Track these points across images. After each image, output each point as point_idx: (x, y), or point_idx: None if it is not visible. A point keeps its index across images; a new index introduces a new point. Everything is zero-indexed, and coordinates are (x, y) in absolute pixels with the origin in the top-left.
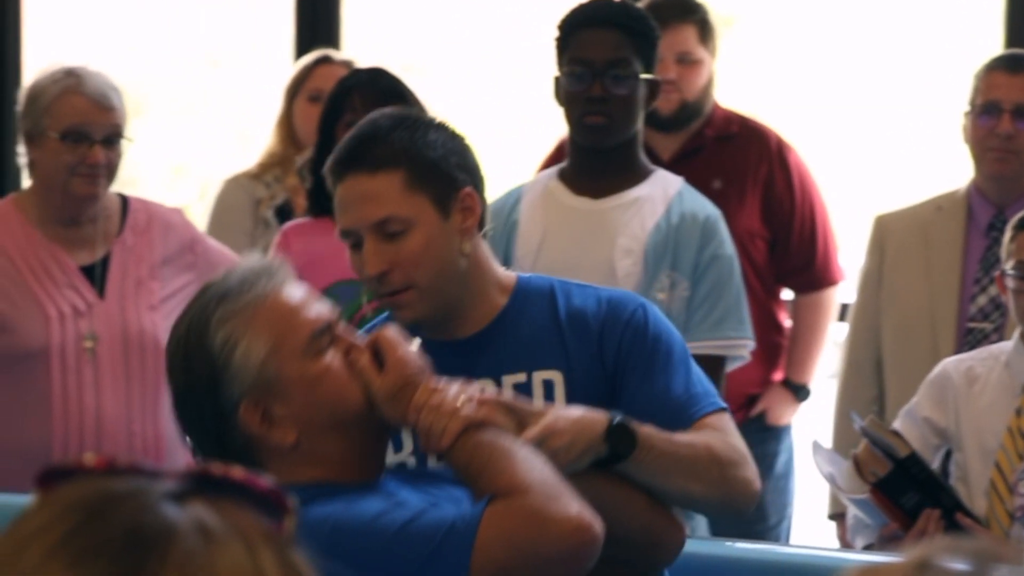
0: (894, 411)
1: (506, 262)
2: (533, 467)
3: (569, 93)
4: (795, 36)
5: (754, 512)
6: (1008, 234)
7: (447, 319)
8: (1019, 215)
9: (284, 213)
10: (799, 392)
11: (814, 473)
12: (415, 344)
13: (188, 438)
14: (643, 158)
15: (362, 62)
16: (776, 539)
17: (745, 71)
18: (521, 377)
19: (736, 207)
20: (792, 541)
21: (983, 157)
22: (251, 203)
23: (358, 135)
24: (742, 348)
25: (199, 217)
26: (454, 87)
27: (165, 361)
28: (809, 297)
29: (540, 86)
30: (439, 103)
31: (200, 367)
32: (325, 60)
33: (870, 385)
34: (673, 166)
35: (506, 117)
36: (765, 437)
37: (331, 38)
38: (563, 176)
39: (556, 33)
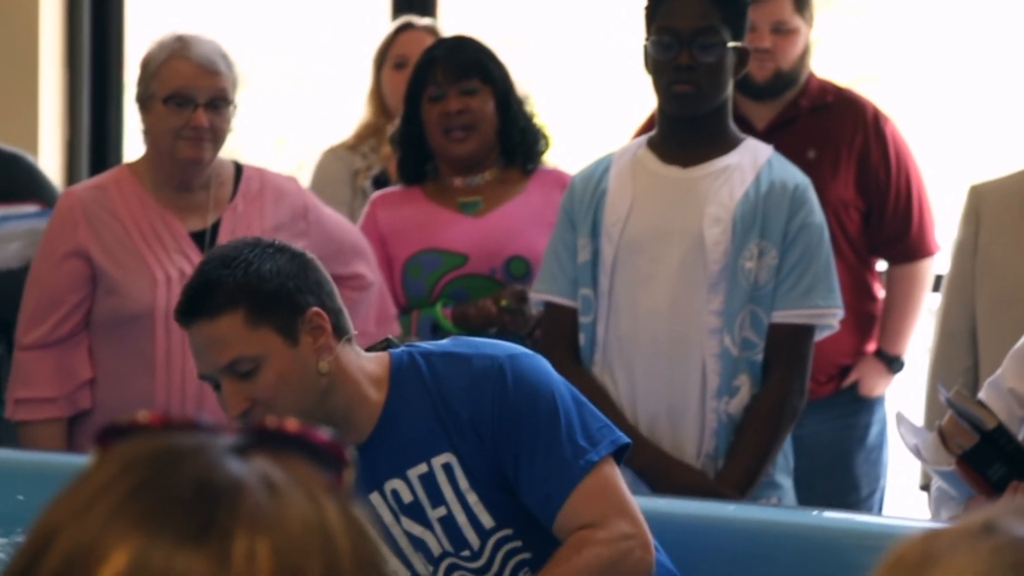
0: None
1: (594, 230)
2: None
3: (656, 62)
4: (889, 3)
5: (846, 483)
6: None
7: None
8: None
9: (381, 183)
10: (892, 363)
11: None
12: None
13: None
14: (732, 126)
15: (447, 27)
16: (868, 511)
17: (842, 41)
18: (423, 468)
19: (830, 177)
20: (885, 513)
21: None
22: (349, 174)
23: (194, 284)
24: (831, 317)
25: None
26: (555, 60)
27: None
28: (904, 268)
29: (639, 57)
30: (540, 76)
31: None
32: (407, 27)
33: (964, 356)
34: (767, 136)
35: (608, 89)
36: (858, 408)
37: (427, 9)
38: (652, 144)
39: (645, 2)
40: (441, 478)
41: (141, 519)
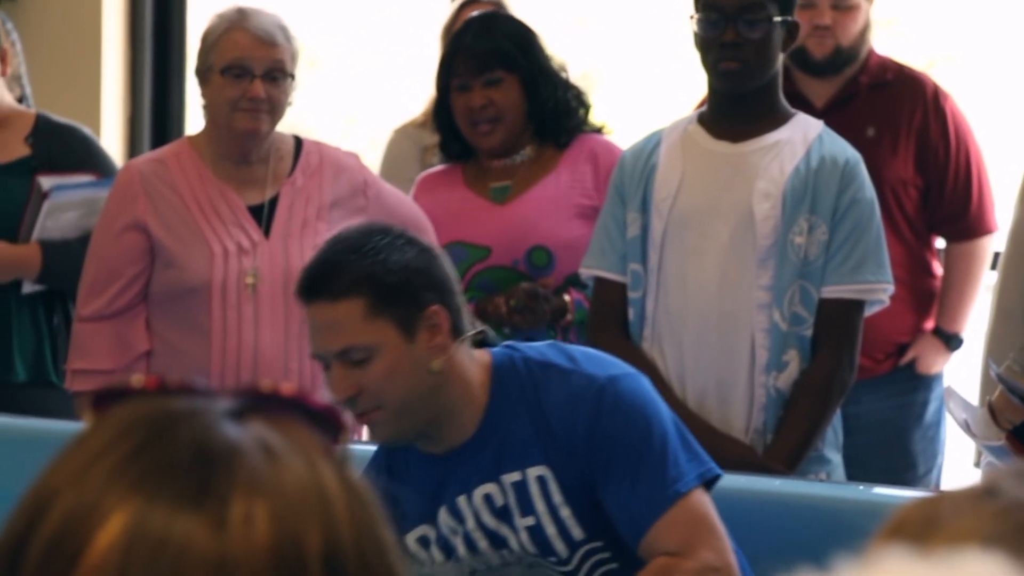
0: None
1: (644, 205)
2: None
3: (703, 39)
4: None
5: (904, 461)
6: None
7: (429, 434)
8: None
9: None
10: (951, 341)
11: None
12: None
13: None
14: (783, 101)
15: (517, 7)
16: (925, 488)
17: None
18: (516, 476)
19: (890, 155)
20: (941, 490)
21: None
22: (418, 151)
23: (319, 263)
24: (881, 292)
25: (373, 167)
26: (626, 39)
27: None
28: (963, 246)
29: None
30: (611, 55)
31: None
32: (472, 3)
33: (1019, 334)
34: (827, 113)
35: (678, 68)
36: (916, 386)
37: None
38: (702, 120)
39: None
40: (534, 490)
41: (138, 482)
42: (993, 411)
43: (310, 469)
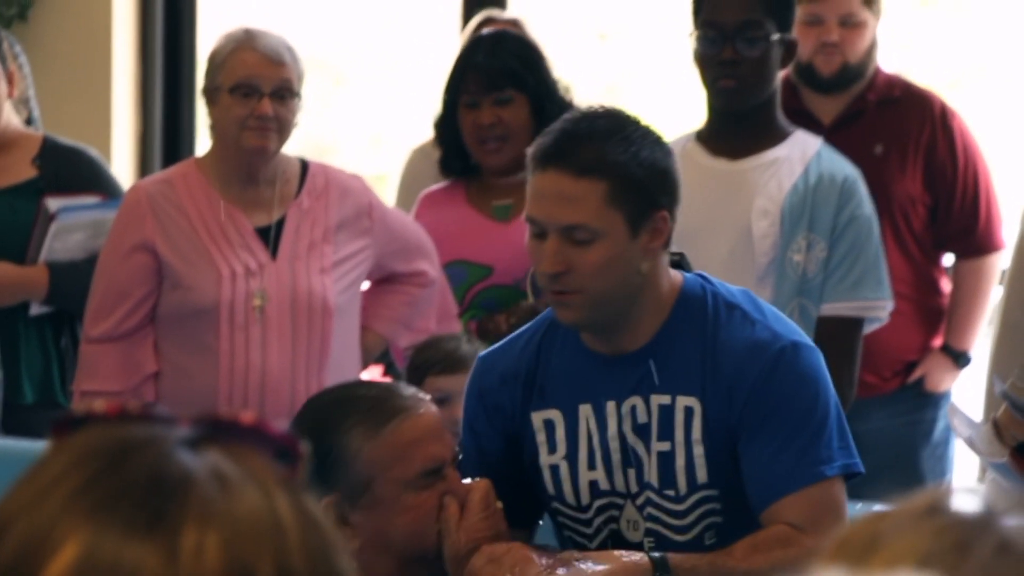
0: None
1: None
2: None
3: (702, 56)
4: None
5: (912, 479)
6: None
7: (607, 330)
8: None
9: None
10: (959, 359)
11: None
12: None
13: None
14: (781, 119)
15: (532, 23)
16: None
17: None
18: (666, 399)
19: (898, 172)
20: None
21: None
22: (437, 170)
23: (572, 131)
24: (880, 309)
25: (394, 186)
26: (648, 55)
27: (300, 411)
28: (971, 263)
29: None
30: (629, 71)
31: (315, 445)
32: (489, 21)
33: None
34: (834, 130)
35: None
36: (924, 403)
37: (498, 3)
38: (701, 138)
39: None
40: (679, 418)
41: (92, 511)
42: (998, 428)
43: (264, 498)
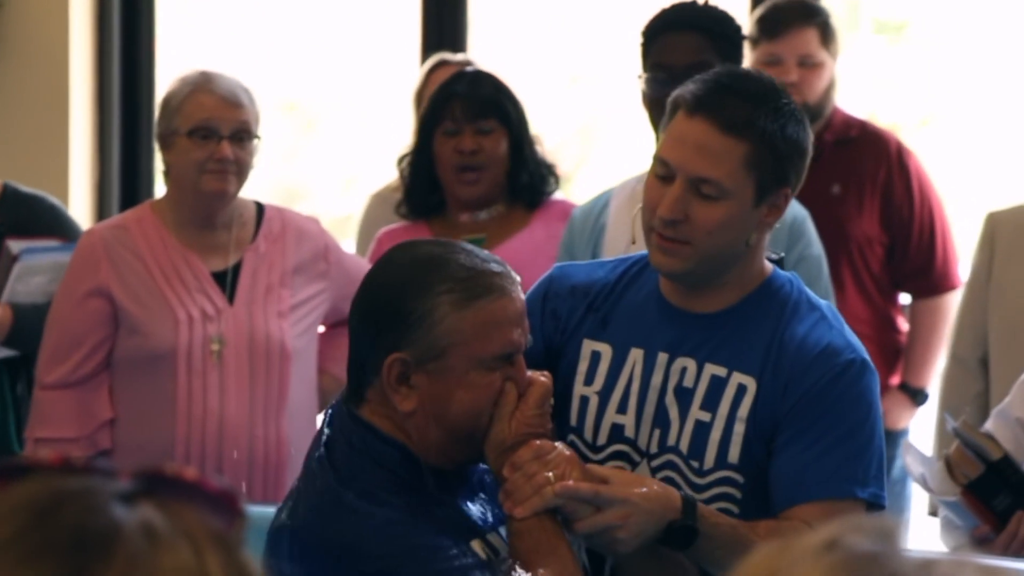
0: None
1: None
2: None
3: (651, 99)
4: (913, 40)
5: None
6: None
7: (695, 287)
8: None
9: None
10: (916, 396)
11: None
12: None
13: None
14: None
15: (490, 65)
16: None
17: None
18: (722, 371)
19: (855, 212)
20: (908, 546)
21: None
22: (394, 216)
23: (728, 86)
24: None
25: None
26: (621, 97)
27: (376, 265)
28: (927, 302)
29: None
30: (600, 114)
31: (398, 301)
32: (442, 64)
33: (974, 381)
34: None
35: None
36: None
37: (457, 45)
38: None
39: (640, 39)
40: (729, 392)
41: (19, 563)
42: (950, 466)
43: (194, 555)
